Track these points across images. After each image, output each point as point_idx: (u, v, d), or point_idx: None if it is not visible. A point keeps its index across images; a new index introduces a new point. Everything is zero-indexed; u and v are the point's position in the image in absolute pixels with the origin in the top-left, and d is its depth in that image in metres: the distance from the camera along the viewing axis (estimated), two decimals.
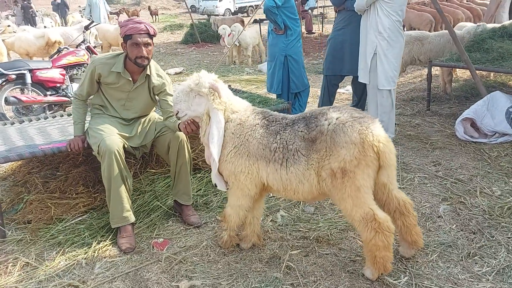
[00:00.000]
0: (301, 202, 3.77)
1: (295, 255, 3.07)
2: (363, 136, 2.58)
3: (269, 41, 5.56)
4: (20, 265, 3.06)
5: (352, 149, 2.57)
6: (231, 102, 2.98)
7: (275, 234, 3.35)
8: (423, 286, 2.70)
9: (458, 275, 2.80)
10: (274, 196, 3.90)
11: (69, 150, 3.41)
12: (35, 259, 3.13)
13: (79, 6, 30.54)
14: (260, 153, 2.82)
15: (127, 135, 3.42)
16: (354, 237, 3.26)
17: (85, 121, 3.50)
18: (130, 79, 3.38)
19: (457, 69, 7.17)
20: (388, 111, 4.71)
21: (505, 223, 3.31)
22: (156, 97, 3.56)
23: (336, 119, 2.66)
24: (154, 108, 3.74)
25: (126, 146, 3.34)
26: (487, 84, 6.72)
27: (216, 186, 3.06)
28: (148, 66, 3.40)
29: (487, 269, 2.83)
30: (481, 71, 6.39)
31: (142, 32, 3.25)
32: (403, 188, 3.92)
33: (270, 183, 2.84)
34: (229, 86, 5.06)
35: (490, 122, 4.76)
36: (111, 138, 3.22)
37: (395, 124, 5.32)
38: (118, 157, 3.17)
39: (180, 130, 3.27)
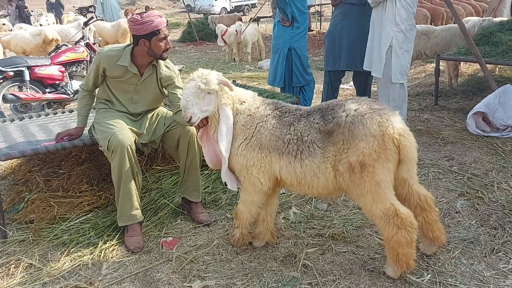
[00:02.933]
0: (313, 199, 3.65)
1: (311, 253, 2.95)
2: (383, 128, 2.45)
3: (274, 33, 5.42)
4: (23, 267, 2.91)
5: (372, 142, 2.44)
6: (237, 93, 2.86)
7: (289, 231, 3.22)
8: (447, 284, 2.59)
9: (483, 272, 2.68)
10: (285, 193, 3.77)
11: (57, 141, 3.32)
12: (38, 260, 2.99)
13: (74, 6, 30.28)
14: (272, 145, 2.69)
15: (137, 130, 3.28)
16: (371, 234, 3.14)
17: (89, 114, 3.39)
18: (137, 73, 3.24)
19: (461, 64, 7.06)
20: (400, 105, 4.60)
21: None
22: (165, 90, 3.42)
23: (355, 110, 2.54)
24: (163, 103, 3.60)
25: (137, 141, 3.21)
26: (493, 79, 6.61)
27: (226, 185, 2.93)
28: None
29: None
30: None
31: (165, 24, 3.17)
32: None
33: (284, 176, 2.71)
34: (234, 81, 4.94)
35: (502, 116, 4.65)
36: (123, 132, 3.09)
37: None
38: (130, 153, 3.04)
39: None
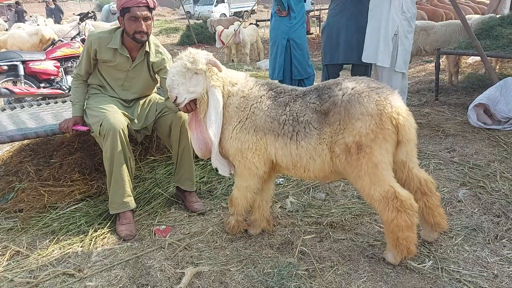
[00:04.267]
0: (311, 189, 3.56)
1: (308, 241, 2.85)
2: (381, 107, 2.36)
3: (271, 24, 5.35)
4: (10, 254, 2.81)
5: (369, 121, 2.34)
6: (228, 75, 2.76)
7: (286, 220, 3.12)
8: (450, 270, 2.49)
9: (486, 258, 2.58)
10: (282, 184, 3.68)
11: (60, 130, 3.18)
12: (26, 247, 2.89)
13: (73, 14, 30.36)
14: (268, 127, 2.60)
15: (130, 116, 3.19)
16: (370, 222, 3.04)
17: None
18: (128, 55, 3.15)
19: (461, 61, 7.00)
20: (402, 96, 4.53)
21: None
22: (157, 77, 3.34)
23: (352, 89, 2.44)
24: (155, 89, 3.51)
25: (129, 126, 3.11)
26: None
27: (217, 170, 2.82)
28: (147, 42, 3.18)
29: None
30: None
31: (141, 4, 3.02)
32: None
33: (279, 159, 2.62)
34: None
35: (503, 108, 4.57)
36: (116, 116, 3.00)
37: None
38: (123, 137, 2.95)
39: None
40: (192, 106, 2.75)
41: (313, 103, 2.51)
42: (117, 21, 3.22)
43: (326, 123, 2.46)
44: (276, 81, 2.85)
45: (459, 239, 2.78)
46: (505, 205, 3.15)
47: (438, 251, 2.67)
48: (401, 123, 2.37)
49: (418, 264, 2.54)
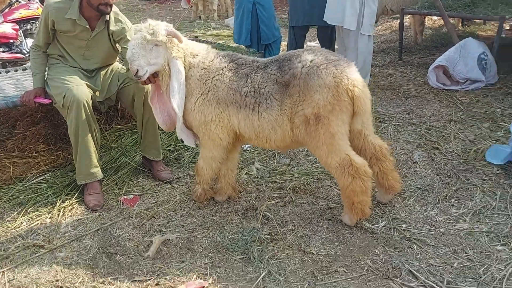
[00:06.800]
0: (276, 154, 3.67)
1: (272, 206, 2.99)
2: (338, 79, 2.45)
3: None
4: None
5: (326, 93, 2.44)
6: (188, 46, 2.77)
7: (251, 186, 3.25)
8: (401, 229, 2.68)
9: (435, 218, 2.79)
10: (248, 150, 3.77)
11: (22, 103, 3.15)
12: None
13: None
14: (230, 99, 2.65)
15: (93, 87, 3.17)
16: (330, 186, 3.20)
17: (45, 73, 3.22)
18: (88, 26, 3.09)
19: (426, 19, 7.07)
20: (367, 58, 4.62)
21: (480, 166, 3.31)
22: (118, 46, 3.29)
23: (310, 61, 2.51)
24: (118, 58, 3.47)
25: (93, 97, 3.10)
26: (456, 33, 6.66)
27: (183, 141, 2.88)
28: None
29: (464, 210, 2.84)
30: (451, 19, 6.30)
31: None
32: None
33: (242, 130, 2.70)
34: (196, 37, 4.82)
35: (462, 69, 4.72)
36: (79, 87, 2.98)
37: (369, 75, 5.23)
38: (87, 108, 2.95)
39: None
40: (152, 79, 2.76)
41: (274, 74, 2.57)
42: None
43: (287, 94, 2.54)
44: (237, 53, 2.86)
45: (412, 199, 2.98)
46: (456, 165, 3.36)
47: (392, 212, 2.86)
48: (356, 94, 2.47)
49: (372, 225, 2.72)
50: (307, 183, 3.23)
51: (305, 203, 3.01)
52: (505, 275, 2.28)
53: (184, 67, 2.71)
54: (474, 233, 2.62)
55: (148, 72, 2.67)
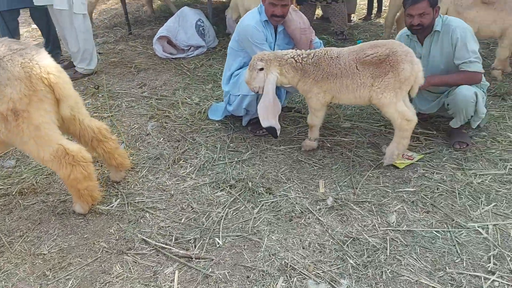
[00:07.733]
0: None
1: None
2: (28, 69, 2.31)
3: None
4: None
5: (18, 85, 2.28)
6: None
7: None
8: (135, 202, 2.79)
9: (166, 182, 2.98)
10: None
11: None
12: None
13: None
14: None
15: None
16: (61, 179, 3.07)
17: None
18: None
19: None
20: (88, 37, 4.47)
21: (204, 125, 3.66)
22: None
23: None
24: None
25: None
26: (173, 4, 6.98)
27: None
28: None
29: (190, 169, 3.11)
30: None
31: None
32: (111, 116, 3.87)
33: None
34: None
35: (183, 37, 5.06)
36: None
37: (99, 53, 5.12)
38: None
39: None
40: None
41: None
42: None
43: None
44: None
45: (144, 171, 3.11)
46: (184, 129, 3.64)
47: (125, 188, 2.93)
48: (53, 81, 2.37)
49: (106, 207, 2.75)
50: (36, 181, 3.03)
51: (35, 203, 2.82)
52: (222, 216, 2.62)
53: None
54: (198, 187, 2.91)
55: None
